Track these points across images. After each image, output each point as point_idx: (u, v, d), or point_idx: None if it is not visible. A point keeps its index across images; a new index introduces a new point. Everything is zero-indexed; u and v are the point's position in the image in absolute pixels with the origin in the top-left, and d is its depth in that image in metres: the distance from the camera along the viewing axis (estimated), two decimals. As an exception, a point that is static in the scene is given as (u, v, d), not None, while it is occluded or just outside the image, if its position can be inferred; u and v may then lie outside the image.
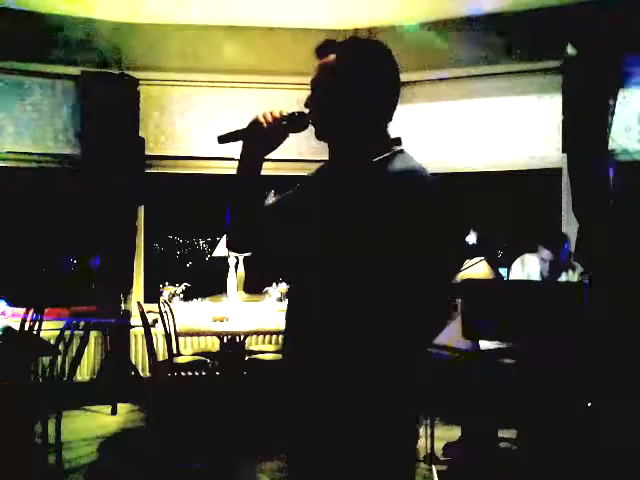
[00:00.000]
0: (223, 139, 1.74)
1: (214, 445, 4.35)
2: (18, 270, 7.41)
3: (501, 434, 4.06)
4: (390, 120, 1.68)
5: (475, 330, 3.38)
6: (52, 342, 4.15)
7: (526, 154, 5.52)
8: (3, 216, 6.70)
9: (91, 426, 4.80)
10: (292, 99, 5.75)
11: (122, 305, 5.61)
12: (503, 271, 4.67)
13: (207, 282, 6.59)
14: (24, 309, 4.84)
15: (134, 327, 5.56)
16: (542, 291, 3.51)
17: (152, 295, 5.90)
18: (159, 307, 4.99)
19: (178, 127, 5.93)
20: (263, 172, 1.76)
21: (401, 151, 1.66)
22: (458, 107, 5.75)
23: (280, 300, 5.56)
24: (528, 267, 4.21)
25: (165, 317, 4.91)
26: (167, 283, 5.83)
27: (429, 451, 3.93)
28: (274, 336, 5.58)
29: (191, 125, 5.93)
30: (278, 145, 1.74)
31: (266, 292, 5.76)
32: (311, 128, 1.71)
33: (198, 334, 5.38)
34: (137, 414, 5.17)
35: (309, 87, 1.70)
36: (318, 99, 1.68)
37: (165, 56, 5.67)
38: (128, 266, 5.70)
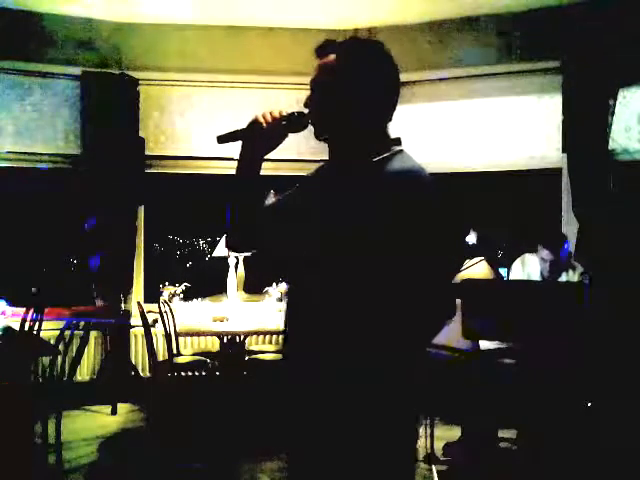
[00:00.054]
0: (222, 139, 1.74)
1: (214, 445, 4.35)
2: (18, 270, 7.41)
3: (501, 434, 4.06)
4: (390, 120, 1.68)
5: (475, 330, 3.38)
6: (52, 342, 4.15)
7: (526, 154, 5.52)
8: (3, 216, 6.69)
9: (91, 426, 4.80)
10: (292, 99, 5.75)
11: (122, 305, 5.61)
12: (503, 271, 4.66)
13: (207, 282, 6.59)
14: (24, 309, 4.84)
15: (134, 327, 5.56)
16: (542, 291, 3.51)
17: (152, 295, 5.90)
18: (159, 307, 4.99)
19: (178, 127, 5.93)
20: (263, 172, 1.76)
21: (400, 151, 1.66)
22: (458, 107, 5.75)
23: (280, 300, 5.55)
24: (528, 267, 4.21)
25: (165, 317, 4.91)
26: (167, 283, 5.83)
27: (429, 451, 3.93)
28: (274, 336, 5.58)
29: (191, 125, 5.93)
30: (277, 145, 1.74)
31: (266, 292, 5.76)
32: (310, 128, 1.71)
33: (198, 334, 5.37)
34: (137, 414, 5.17)
35: (309, 87, 1.70)
36: (318, 99, 1.68)
37: (165, 56, 5.67)
38: (128, 266, 5.71)
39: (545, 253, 4.09)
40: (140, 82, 5.72)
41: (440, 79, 5.77)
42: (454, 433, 4.24)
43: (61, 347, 3.80)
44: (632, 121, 5.09)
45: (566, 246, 4.12)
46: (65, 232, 7.55)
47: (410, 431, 1.61)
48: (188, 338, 5.59)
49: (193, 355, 5.18)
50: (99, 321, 5.40)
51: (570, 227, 5.05)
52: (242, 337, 4.84)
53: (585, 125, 4.96)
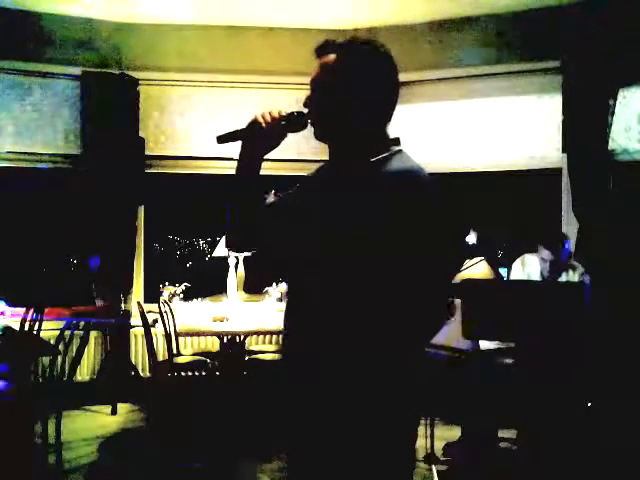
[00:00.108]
0: (222, 139, 1.74)
1: (214, 445, 4.35)
2: (18, 270, 7.41)
3: (501, 434, 4.06)
4: (389, 120, 1.68)
5: (475, 330, 3.38)
6: (52, 342, 4.15)
7: (526, 154, 5.52)
8: (3, 216, 6.69)
9: (91, 426, 4.80)
10: (292, 99, 5.75)
11: (122, 305, 5.61)
12: (503, 271, 4.66)
13: (207, 282, 6.59)
14: (24, 309, 4.84)
15: (134, 327, 5.56)
16: (542, 291, 3.51)
17: (152, 295, 5.90)
18: (159, 307, 4.99)
19: (178, 127, 5.93)
20: (263, 172, 1.76)
21: (399, 151, 1.66)
22: (458, 107, 5.75)
23: (280, 300, 5.55)
24: (528, 267, 4.21)
25: (165, 317, 4.91)
26: (167, 283, 5.83)
27: (429, 451, 3.93)
28: (274, 336, 5.58)
29: (191, 125, 5.93)
30: (277, 145, 1.74)
31: (266, 292, 5.76)
32: (310, 128, 1.71)
33: (198, 334, 5.37)
34: (137, 414, 5.17)
35: (309, 87, 1.70)
36: (318, 99, 1.68)
37: (165, 56, 5.67)
38: (128, 266, 5.71)
39: (545, 253, 4.09)
40: (140, 82, 5.72)
41: (440, 79, 5.77)
42: (454, 433, 4.24)
43: (61, 347, 3.79)
44: (632, 121, 5.09)
45: (566, 246, 4.12)
46: (65, 232, 7.55)
47: (409, 431, 1.61)
48: (188, 338, 5.59)
49: (193, 355, 5.18)
50: (99, 321, 5.41)
51: (570, 227, 5.05)
52: (242, 337, 4.84)
53: (585, 125, 4.96)
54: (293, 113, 1.71)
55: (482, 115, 5.66)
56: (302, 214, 1.69)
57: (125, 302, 5.64)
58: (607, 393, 3.43)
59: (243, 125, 1.73)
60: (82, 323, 4.09)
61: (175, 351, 5.08)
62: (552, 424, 3.52)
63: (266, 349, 5.40)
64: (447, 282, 1.66)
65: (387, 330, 1.53)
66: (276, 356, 5.06)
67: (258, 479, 3.86)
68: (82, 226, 5.65)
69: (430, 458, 3.90)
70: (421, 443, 3.85)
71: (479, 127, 5.68)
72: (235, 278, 5.30)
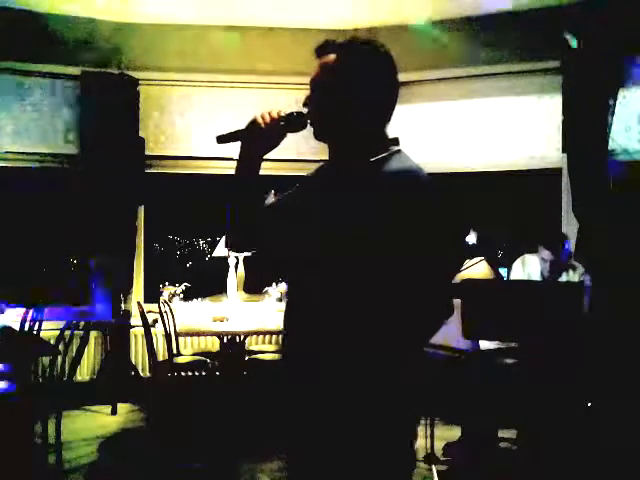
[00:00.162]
0: (222, 139, 1.74)
1: (214, 445, 4.35)
2: (18, 270, 7.41)
3: (501, 434, 4.06)
4: (389, 120, 1.68)
5: (475, 330, 3.38)
6: (52, 342, 4.15)
7: (526, 154, 5.52)
8: (3, 216, 6.69)
9: (91, 426, 4.80)
10: (292, 99, 5.75)
11: (122, 305, 5.61)
12: (503, 271, 4.66)
13: (207, 282, 6.59)
14: (24, 309, 4.84)
15: (134, 327, 5.56)
16: (542, 291, 3.51)
17: (152, 295, 5.90)
18: (159, 307, 4.99)
19: (178, 127, 5.94)
20: (263, 172, 1.76)
21: (398, 151, 1.66)
22: (458, 107, 5.75)
23: (280, 300, 5.55)
24: (529, 267, 4.21)
25: (165, 317, 4.91)
26: (167, 283, 5.84)
27: (429, 451, 3.93)
28: (274, 336, 5.58)
29: (191, 125, 5.93)
30: (276, 145, 1.74)
31: (266, 292, 5.76)
32: (310, 128, 1.70)
33: (198, 334, 5.37)
34: (137, 414, 5.17)
35: (309, 87, 1.70)
36: (317, 99, 1.68)
37: (165, 56, 5.67)
38: (128, 266, 5.71)
39: (546, 253, 4.09)
40: (140, 82, 5.72)
41: (440, 79, 5.77)
42: (454, 433, 4.24)
43: (61, 347, 3.79)
44: (632, 121, 5.09)
45: (566, 246, 4.12)
46: (65, 232, 7.55)
47: (409, 431, 1.61)
48: (188, 338, 5.59)
49: (193, 355, 5.18)
50: (99, 321, 5.41)
51: (570, 227, 5.05)
52: (242, 337, 4.84)
53: (585, 125, 4.96)
54: (292, 113, 1.71)
55: (482, 115, 5.66)
56: (302, 214, 1.69)
57: (125, 302, 5.64)
58: (607, 393, 3.43)
59: (243, 125, 1.73)
60: (82, 323, 4.08)
61: (175, 351, 5.08)
62: (552, 424, 3.52)
63: (266, 349, 5.40)
64: (447, 282, 1.66)
65: (387, 330, 1.53)
66: (276, 356, 5.06)
67: (258, 479, 3.86)
68: (82, 226, 5.65)
69: (430, 458, 3.90)
70: (421, 443, 3.85)
71: (479, 127, 5.68)
72: (235, 278, 5.31)
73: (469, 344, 3.54)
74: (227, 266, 5.33)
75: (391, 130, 1.69)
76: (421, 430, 3.76)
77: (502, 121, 5.60)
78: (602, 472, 3.27)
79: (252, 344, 5.58)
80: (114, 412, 5.13)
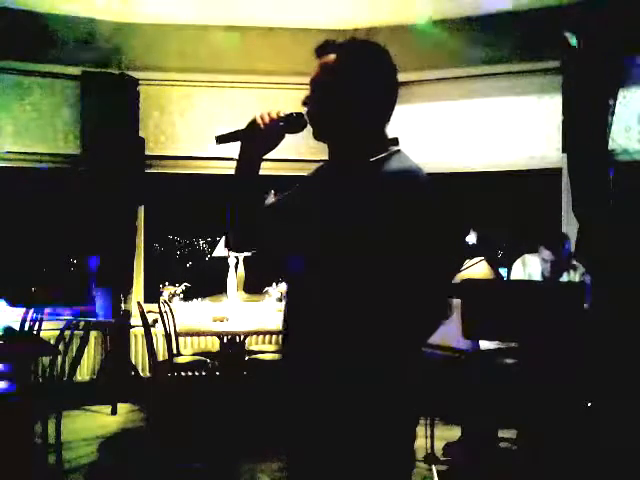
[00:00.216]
0: (221, 139, 1.74)
1: (214, 445, 4.35)
2: (18, 270, 7.41)
3: (501, 434, 4.06)
4: (388, 120, 1.68)
5: (475, 330, 3.38)
6: (52, 342, 4.15)
7: (526, 154, 5.52)
8: (3, 216, 6.69)
9: (91, 426, 4.80)
10: (292, 99, 5.75)
11: (122, 305, 5.61)
12: (503, 271, 4.66)
13: (207, 282, 6.60)
14: (24, 309, 4.84)
15: (134, 327, 5.56)
16: (542, 291, 3.51)
17: (152, 295, 5.90)
18: (159, 307, 4.99)
19: (178, 127, 5.93)
20: (263, 172, 1.76)
21: (398, 151, 1.66)
22: (458, 107, 5.75)
23: (280, 300, 5.56)
24: (529, 267, 4.21)
25: (165, 317, 4.91)
26: (167, 283, 5.84)
27: (429, 451, 3.93)
28: (274, 336, 5.58)
29: (191, 125, 5.93)
30: (276, 145, 1.74)
31: (266, 292, 5.76)
32: (310, 128, 1.70)
33: (198, 334, 5.37)
34: (137, 414, 5.17)
35: (308, 87, 1.70)
36: (317, 99, 1.68)
37: (165, 56, 5.67)
38: (128, 266, 5.70)
39: (546, 254, 4.08)
40: (140, 82, 5.72)
41: (440, 79, 5.77)
42: (454, 433, 4.24)
43: (61, 347, 3.79)
44: (632, 121, 5.09)
45: (567, 246, 4.12)
46: (65, 232, 7.55)
47: (409, 431, 1.61)
48: (188, 338, 5.59)
49: (193, 355, 5.18)
50: (99, 321, 5.41)
51: (570, 227, 5.05)
52: (242, 337, 4.84)
53: (585, 125, 4.96)
54: (292, 114, 1.71)
55: (482, 115, 5.66)
56: (302, 214, 1.69)
57: (125, 302, 5.64)
58: (607, 393, 3.43)
59: (242, 125, 1.73)
60: (82, 323, 4.09)
61: (175, 351, 5.08)
62: (552, 424, 3.52)
63: (266, 349, 5.40)
64: (447, 282, 1.66)
65: (387, 330, 1.53)
66: (276, 356, 5.06)
67: (258, 479, 3.86)
68: (82, 226, 5.65)
69: (430, 458, 3.90)
70: (421, 443, 3.85)
71: (479, 127, 5.68)
72: (235, 278, 5.31)
73: (469, 344, 3.54)
74: (227, 266, 5.33)
75: (391, 130, 1.69)
76: (421, 430, 3.76)
77: (502, 121, 5.60)
78: (602, 472, 3.27)
79: (252, 344, 5.58)
80: (114, 412, 5.13)
